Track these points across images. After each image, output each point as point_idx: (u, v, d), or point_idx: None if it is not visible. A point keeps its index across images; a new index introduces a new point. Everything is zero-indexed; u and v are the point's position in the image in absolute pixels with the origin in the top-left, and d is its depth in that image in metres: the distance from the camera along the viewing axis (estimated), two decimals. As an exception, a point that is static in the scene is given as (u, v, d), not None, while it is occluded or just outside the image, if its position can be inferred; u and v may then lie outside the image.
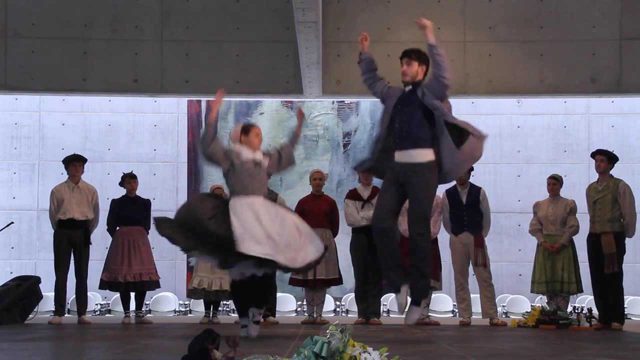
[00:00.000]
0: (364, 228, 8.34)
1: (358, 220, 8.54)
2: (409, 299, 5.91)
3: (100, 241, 10.03)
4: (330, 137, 12.34)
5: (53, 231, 8.84)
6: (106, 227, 8.96)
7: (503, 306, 11.44)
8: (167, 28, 10.61)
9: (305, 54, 9.68)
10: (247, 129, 6.33)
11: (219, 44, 10.61)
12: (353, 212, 8.59)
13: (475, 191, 8.60)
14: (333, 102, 12.24)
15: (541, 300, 10.17)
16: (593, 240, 8.11)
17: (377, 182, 8.46)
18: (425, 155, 5.86)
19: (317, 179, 8.84)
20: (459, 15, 10.63)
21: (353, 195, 8.71)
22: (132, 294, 8.94)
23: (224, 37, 10.60)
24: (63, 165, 8.99)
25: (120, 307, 9.52)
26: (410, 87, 6.02)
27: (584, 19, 10.53)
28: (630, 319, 10.76)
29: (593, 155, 8.33)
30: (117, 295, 9.86)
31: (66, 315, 9.05)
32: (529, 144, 12.33)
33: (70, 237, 8.67)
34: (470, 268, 8.60)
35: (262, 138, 6.39)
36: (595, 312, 8.03)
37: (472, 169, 8.74)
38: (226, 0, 10.64)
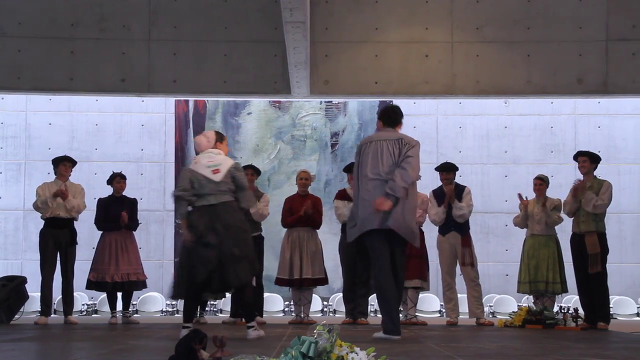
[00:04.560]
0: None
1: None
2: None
3: (87, 241, 10.00)
4: (318, 137, 12.34)
5: (39, 231, 8.79)
6: (95, 226, 8.94)
7: (490, 306, 11.47)
8: (155, 28, 10.58)
9: (293, 54, 9.68)
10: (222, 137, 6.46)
11: (206, 43, 10.59)
12: (344, 211, 8.49)
13: (461, 190, 8.60)
14: (321, 102, 12.24)
15: (528, 300, 10.20)
16: (577, 240, 8.14)
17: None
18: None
19: (303, 179, 8.83)
20: (447, 15, 10.65)
21: (342, 195, 8.69)
22: (119, 294, 8.91)
23: (212, 37, 10.58)
24: (50, 165, 8.96)
25: (107, 308, 9.48)
26: None
27: (570, 20, 10.57)
28: (616, 318, 10.80)
29: (575, 157, 8.36)
30: (104, 295, 9.82)
31: (52, 315, 9.01)
32: (516, 145, 12.37)
33: (56, 237, 8.62)
34: (458, 268, 8.62)
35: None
36: (581, 312, 8.06)
37: (457, 169, 8.75)
38: (214, 0, 10.63)
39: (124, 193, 9.00)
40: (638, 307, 11.75)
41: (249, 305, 6.21)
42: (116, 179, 8.96)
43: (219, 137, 6.38)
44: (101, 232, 8.87)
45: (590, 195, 7.99)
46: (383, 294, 6.01)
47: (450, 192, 8.43)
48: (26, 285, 9.06)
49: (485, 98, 11.42)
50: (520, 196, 8.79)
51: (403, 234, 6.07)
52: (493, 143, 12.37)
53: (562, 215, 8.54)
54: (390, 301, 5.99)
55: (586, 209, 8.00)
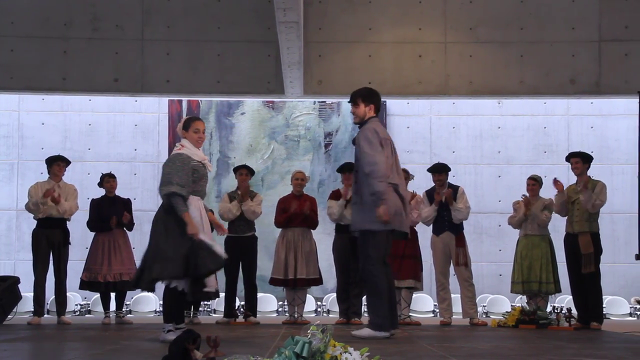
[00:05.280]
0: (346, 228, 8.32)
1: (345, 217, 8.42)
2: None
3: (80, 241, 9.98)
4: (312, 137, 12.33)
5: (32, 231, 8.76)
6: (87, 227, 8.91)
7: (483, 306, 11.49)
8: (148, 27, 10.57)
9: (286, 54, 9.68)
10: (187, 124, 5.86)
11: (200, 43, 10.59)
12: (335, 210, 8.52)
13: (455, 191, 8.60)
14: (314, 102, 12.23)
15: (521, 300, 10.22)
16: (570, 240, 8.16)
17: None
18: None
19: (299, 179, 8.83)
20: (440, 16, 10.67)
21: (336, 195, 8.69)
22: (112, 294, 8.90)
23: (205, 37, 10.57)
24: (44, 165, 8.92)
25: (100, 308, 9.46)
26: (359, 126, 6.42)
27: (563, 20, 10.60)
28: (609, 318, 10.83)
29: (567, 158, 8.37)
30: (97, 295, 9.80)
31: (45, 315, 8.99)
32: (509, 145, 12.39)
33: (49, 237, 8.60)
34: (451, 268, 8.63)
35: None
36: (574, 312, 8.08)
37: (449, 169, 8.76)
38: (207, 0, 10.62)
39: (117, 193, 8.98)
40: (631, 307, 11.78)
41: (165, 306, 5.83)
42: (105, 179, 8.94)
43: (185, 125, 5.85)
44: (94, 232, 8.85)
45: (589, 194, 7.99)
46: (378, 288, 6.06)
47: (449, 194, 8.45)
48: (19, 285, 9.03)
49: (478, 98, 11.45)
50: (525, 198, 8.75)
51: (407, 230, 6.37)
52: (486, 143, 12.39)
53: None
54: (383, 296, 6.03)
55: (586, 206, 7.99)
